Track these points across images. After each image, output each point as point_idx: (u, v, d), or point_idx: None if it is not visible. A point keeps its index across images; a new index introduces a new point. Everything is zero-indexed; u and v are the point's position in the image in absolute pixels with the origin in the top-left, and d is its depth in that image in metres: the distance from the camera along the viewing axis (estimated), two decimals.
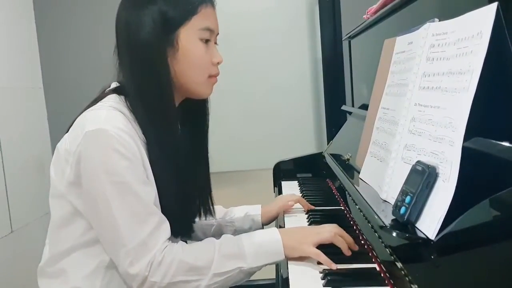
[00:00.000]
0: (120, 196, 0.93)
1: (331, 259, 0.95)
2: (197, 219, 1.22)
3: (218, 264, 0.96)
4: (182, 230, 1.07)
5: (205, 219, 1.24)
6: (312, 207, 1.36)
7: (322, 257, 0.95)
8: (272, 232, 1.03)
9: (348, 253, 0.98)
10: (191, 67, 1.04)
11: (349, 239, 1.01)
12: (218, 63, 1.08)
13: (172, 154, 1.03)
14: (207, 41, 1.05)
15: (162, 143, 1.01)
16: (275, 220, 1.35)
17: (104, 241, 0.98)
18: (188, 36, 1.02)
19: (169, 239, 0.98)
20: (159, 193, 1.01)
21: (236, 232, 1.31)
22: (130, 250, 0.93)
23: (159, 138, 1.01)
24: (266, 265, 1.00)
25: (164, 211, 1.01)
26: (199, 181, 1.18)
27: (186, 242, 1.08)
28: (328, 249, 0.98)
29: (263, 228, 1.32)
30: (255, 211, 1.33)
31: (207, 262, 0.96)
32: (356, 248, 1.00)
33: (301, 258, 0.99)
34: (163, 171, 1.01)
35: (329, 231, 1.00)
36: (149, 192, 0.97)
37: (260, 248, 0.99)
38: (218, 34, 1.09)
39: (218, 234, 1.30)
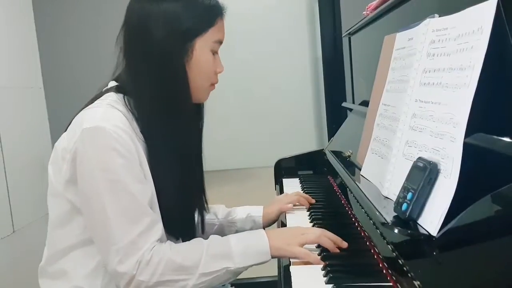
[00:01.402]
0: (114, 194, 0.94)
1: (335, 256, 0.95)
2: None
3: (205, 264, 0.96)
4: (183, 229, 1.07)
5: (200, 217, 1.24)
6: (313, 200, 1.36)
7: (312, 257, 0.96)
8: (259, 233, 1.03)
9: (334, 250, 0.99)
10: (198, 75, 1.05)
11: (336, 238, 1.00)
12: (219, 73, 1.10)
13: (176, 153, 1.03)
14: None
15: (169, 143, 1.02)
16: (275, 222, 1.34)
17: (95, 238, 0.98)
18: (202, 47, 1.03)
19: (160, 239, 0.98)
20: (158, 192, 1.01)
21: (238, 232, 1.30)
22: (120, 249, 0.93)
23: (166, 138, 1.01)
24: (252, 265, 1.00)
25: (163, 210, 1.01)
26: (196, 178, 1.18)
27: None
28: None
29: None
30: (257, 212, 1.33)
31: (195, 262, 0.96)
32: (344, 245, 1.00)
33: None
34: (163, 170, 1.01)
35: (314, 233, 1.01)
36: (144, 191, 0.97)
37: (247, 249, 0.99)
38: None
39: (219, 233, 1.29)
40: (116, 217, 0.93)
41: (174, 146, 1.02)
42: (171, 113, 1.02)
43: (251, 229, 1.31)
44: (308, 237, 1.00)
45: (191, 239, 1.04)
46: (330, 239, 1.00)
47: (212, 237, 1.03)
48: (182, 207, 1.06)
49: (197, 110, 1.16)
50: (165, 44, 1.00)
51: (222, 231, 1.31)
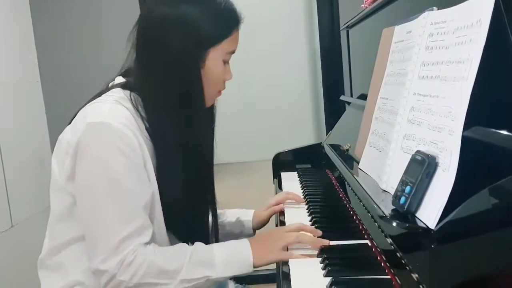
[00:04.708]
0: (109, 193, 0.93)
1: (333, 249, 0.95)
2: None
3: (187, 270, 0.95)
4: (193, 233, 1.06)
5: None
6: (301, 199, 1.36)
7: (294, 256, 0.98)
8: (243, 243, 1.02)
9: (316, 247, 0.99)
10: (207, 83, 1.04)
11: (316, 232, 1.03)
12: (227, 80, 1.09)
13: (186, 155, 1.02)
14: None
15: (180, 146, 1.01)
16: (266, 223, 1.34)
17: (85, 231, 0.97)
18: (215, 57, 1.03)
19: (147, 243, 0.97)
20: (164, 194, 1.00)
21: (225, 236, 1.28)
22: (107, 247, 0.92)
23: (179, 141, 1.01)
24: (234, 276, 1.00)
25: (171, 211, 1.01)
26: (205, 178, 1.17)
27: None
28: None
29: (254, 233, 1.32)
30: (247, 216, 1.32)
31: (177, 267, 0.95)
32: (327, 242, 1.00)
33: (301, 249, 1.00)
34: (171, 171, 1.01)
35: (292, 234, 1.02)
36: (143, 193, 0.96)
37: (230, 259, 0.99)
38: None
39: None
40: (108, 216, 0.93)
41: (185, 149, 1.02)
42: (185, 117, 1.01)
43: (240, 232, 1.31)
44: (287, 239, 1.01)
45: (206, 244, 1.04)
46: (309, 232, 1.01)
47: (196, 244, 1.02)
48: (189, 209, 1.05)
49: (210, 113, 1.16)
50: (180, 50, 0.99)
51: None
